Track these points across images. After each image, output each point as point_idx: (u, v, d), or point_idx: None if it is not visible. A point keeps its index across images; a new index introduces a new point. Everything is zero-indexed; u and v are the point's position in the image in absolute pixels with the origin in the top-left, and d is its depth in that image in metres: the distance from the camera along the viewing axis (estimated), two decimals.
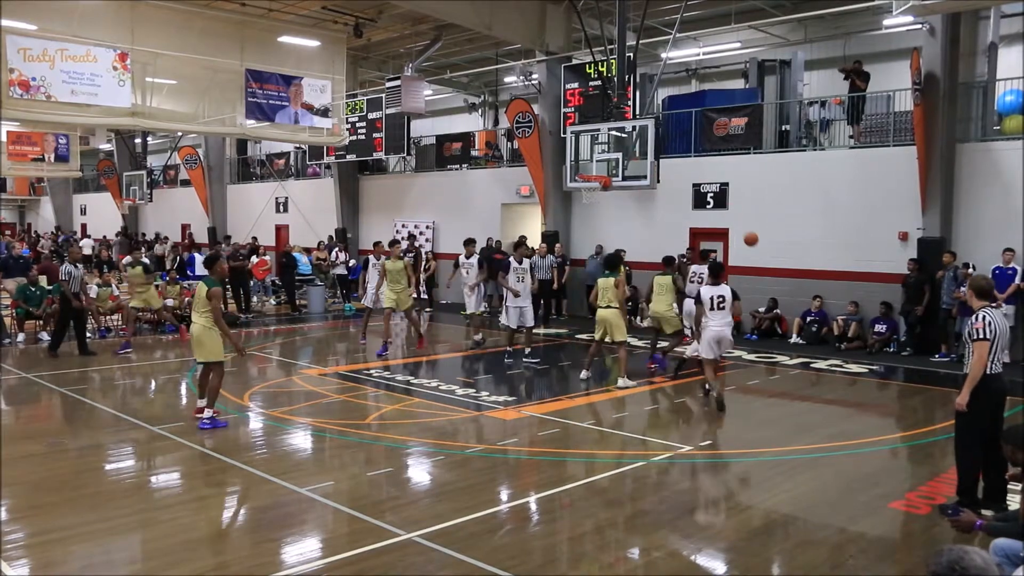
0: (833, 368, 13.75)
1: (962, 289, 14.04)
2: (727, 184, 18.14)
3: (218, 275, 9.69)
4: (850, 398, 12.04)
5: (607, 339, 12.14)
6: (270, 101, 19.41)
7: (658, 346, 13.99)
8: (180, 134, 29.41)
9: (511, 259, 14.54)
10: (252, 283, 21.73)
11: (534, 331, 15.05)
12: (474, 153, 24.97)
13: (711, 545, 6.21)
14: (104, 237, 34.92)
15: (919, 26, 15.44)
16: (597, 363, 13.25)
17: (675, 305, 13.26)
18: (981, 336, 6.46)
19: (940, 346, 14.84)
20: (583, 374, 12.53)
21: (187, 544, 5.99)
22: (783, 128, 18.46)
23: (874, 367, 13.61)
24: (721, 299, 10.63)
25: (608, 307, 12.04)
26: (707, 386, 11.15)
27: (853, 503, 7.49)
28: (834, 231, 16.19)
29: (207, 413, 9.36)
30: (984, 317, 6.51)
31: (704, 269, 12.46)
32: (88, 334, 15.13)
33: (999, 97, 16.15)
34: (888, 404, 11.87)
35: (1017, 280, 13.99)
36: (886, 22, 17.29)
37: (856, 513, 7.14)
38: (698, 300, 10.86)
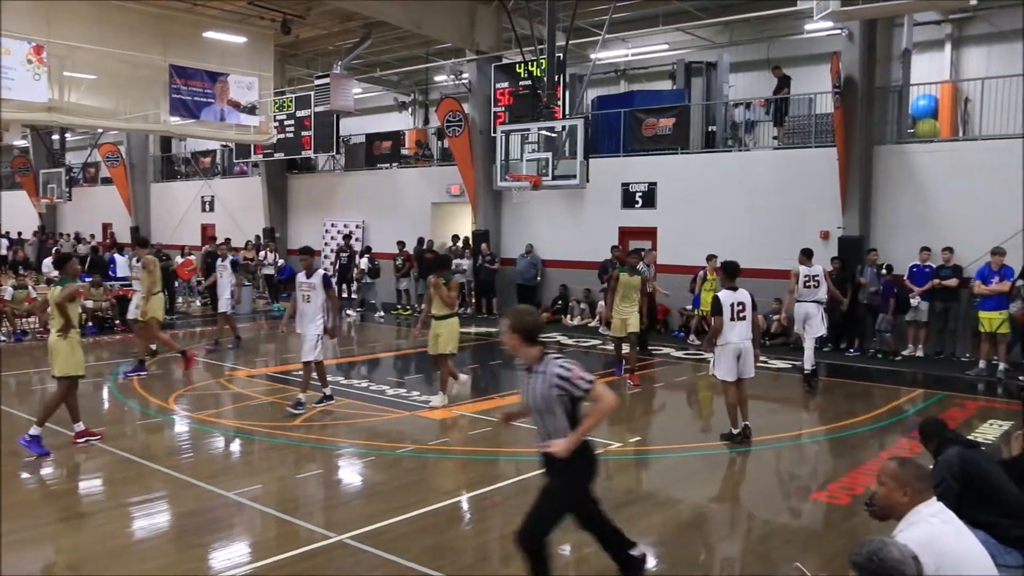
0: (757, 364, 14.05)
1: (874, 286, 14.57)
2: (655, 184, 18.40)
3: (70, 275, 8.72)
4: (774, 393, 12.34)
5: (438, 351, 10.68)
6: (195, 98, 19.02)
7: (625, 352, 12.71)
8: (100, 131, 28.52)
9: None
10: (176, 284, 21.23)
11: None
12: (404, 152, 24.84)
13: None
14: (19, 235, 33.67)
15: (839, 31, 15.90)
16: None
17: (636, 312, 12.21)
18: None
19: (854, 341, 15.32)
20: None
21: (110, 552, 5.84)
22: (710, 129, 18.81)
23: (797, 362, 13.97)
24: (742, 307, 8.82)
25: (444, 316, 10.63)
26: (732, 429, 9.02)
27: (777, 495, 7.71)
28: (759, 230, 16.55)
29: (34, 430, 8.24)
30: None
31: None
32: (2, 337, 14.60)
33: (913, 101, 16.77)
34: (810, 398, 12.18)
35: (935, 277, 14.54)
36: (807, 27, 17.75)
37: (780, 505, 7.35)
38: (717, 309, 8.83)
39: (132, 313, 13.58)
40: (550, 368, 4.80)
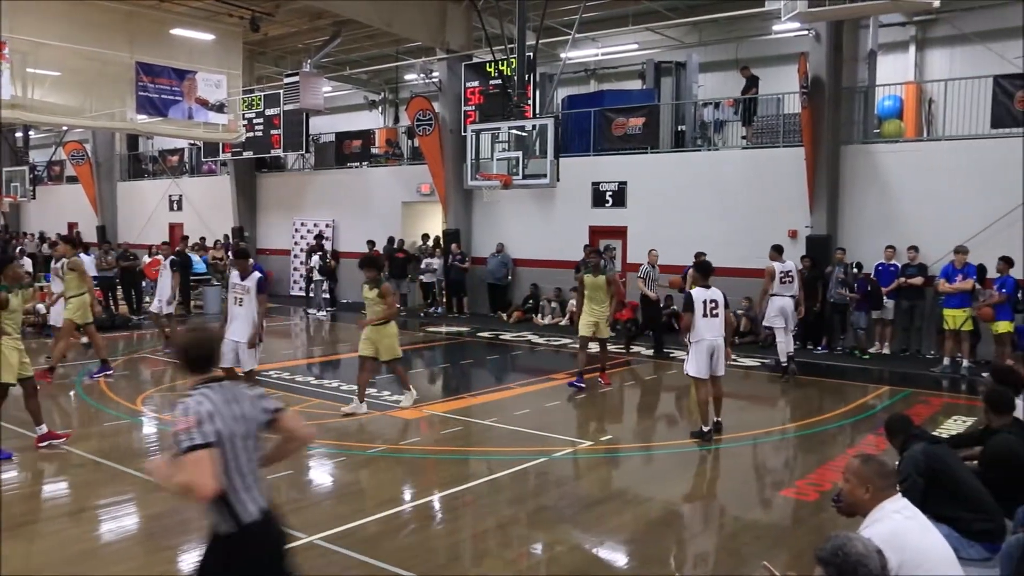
0: (728, 362, 14.15)
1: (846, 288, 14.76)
2: (625, 183, 18.48)
3: (10, 280, 8.32)
4: (743, 391, 12.44)
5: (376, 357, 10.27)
6: (162, 95, 18.84)
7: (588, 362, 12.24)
8: (65, 128, 28.13)
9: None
10: (144, 283, 20.97)
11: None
12: (374, 151, 24.73)
13: (612, 538, 6.34)
14: None
15: (806, 32, 16.08)
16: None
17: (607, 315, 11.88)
18: None
19: (822, 339, 15.50)
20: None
21: (78, 556, 5.76)
22: (679, 128, 18.93)
23: (766, 360, 14.10)
24: (715, 304, 8.98)
25: (382, 323, 10.16)
26: (705, 429, 9.04)
27: (747, 492, 7.78)
28: (728, 229, 16.67)
29: None
30: None
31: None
32: None
33: (879, 102, 17.00)
34: (778, 396, 12.31)
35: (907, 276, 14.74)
36: (775, 28, 17.92)
37: (749, 501, 7.42)
38: (689, 306, 8.99)
39: (53, 319, 13.27)
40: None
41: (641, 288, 15.10)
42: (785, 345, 12.64)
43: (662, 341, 15.06)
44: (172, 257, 15.47)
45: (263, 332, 9.80)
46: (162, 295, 14.81)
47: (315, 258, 21.01)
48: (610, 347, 12.80)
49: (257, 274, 9.85)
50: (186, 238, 24.08)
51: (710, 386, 9.08)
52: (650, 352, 14.98)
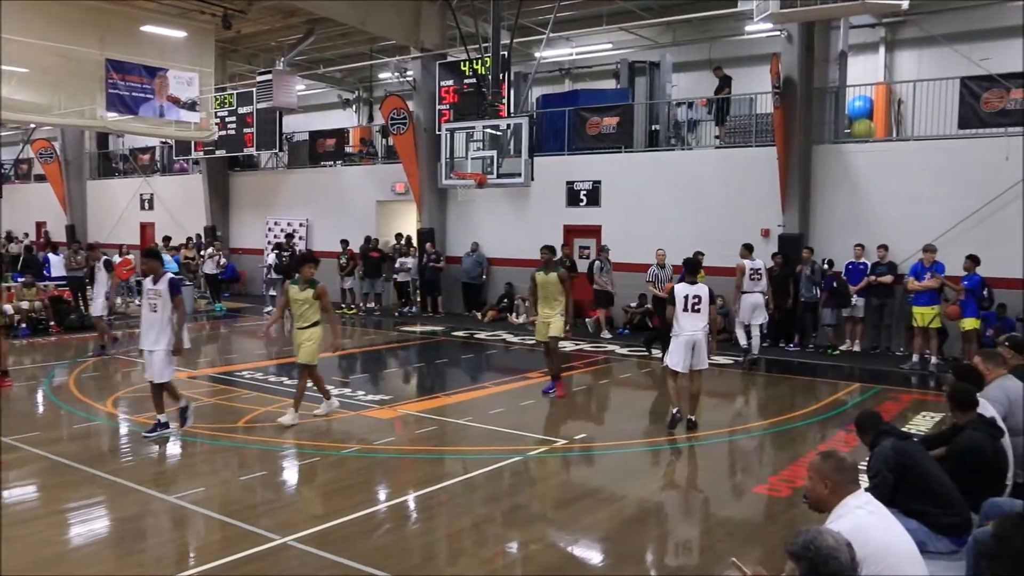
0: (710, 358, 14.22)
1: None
2: (599, 182, 18.55)
3: None
4: (717, 389, 12.53)
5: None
6: (133, 93, 18.65)
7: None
8: (33, 126, 27.76)
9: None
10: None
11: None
12: (348, 150, 24.60)
13: (587, 536, 6.37)
14: None
15: (778, 33, 16.21)
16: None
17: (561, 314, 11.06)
18: None
19: (794, 336, 15.64)
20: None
21: (48, 560, 5.70)
22: (653, 128, 19.02)
23: (739, 358, 14.20)
24: (697, 300, 9.27)
25: (304, 327, 9.55)
26: (674, 411, 9.37)
27: (720, 489, 7.84)
28: (702, 228, 16.75)
29: None
30: None
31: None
32: None
33: (849, 102, 17.18)
34: (752, 393, 12.42)
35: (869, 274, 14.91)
36: (748, 28, 18.05)
37: (723, 498, 7.49)
38: (671, 300, 9.38)
39: None
40: None
41: (652, 291, 15.25)
42: (757, 340, 13.42)
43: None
44: (105, 258, 14.84)
45: (183, 341, 8.88)
46: (99, 297, 14.22)
47: (271, 256, 20.91)
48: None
49: (169, 275, 9.06)
50: (168, 239, 24.00)
51: (686, 380, 9.36)
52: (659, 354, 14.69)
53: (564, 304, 11.05)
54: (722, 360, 14.26)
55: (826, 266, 15.22)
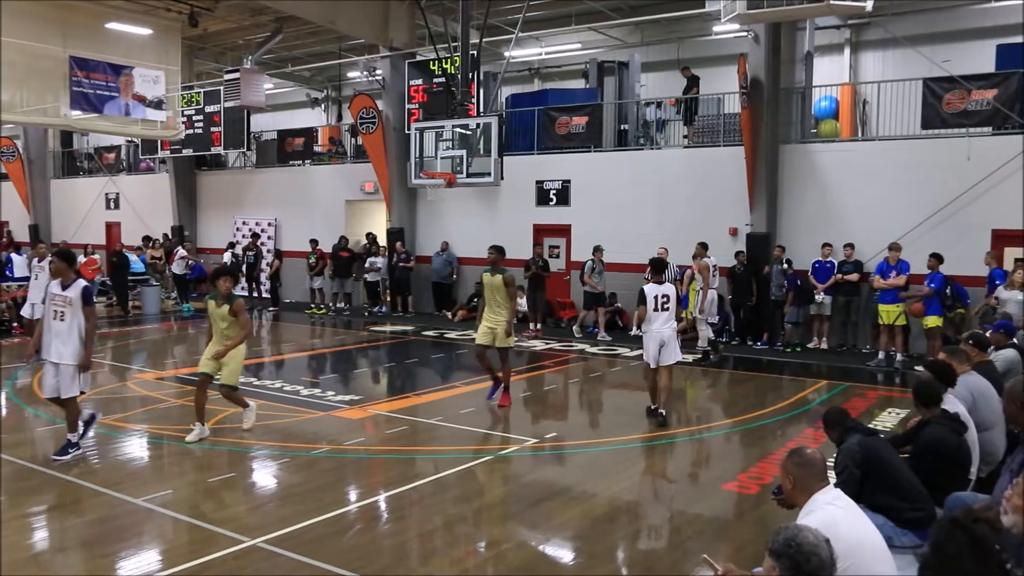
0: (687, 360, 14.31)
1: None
2: (569, 181, 18.60)
3: None
4: (686, 387, 12.62)
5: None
6: (98, 91, 18.39)
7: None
8: None
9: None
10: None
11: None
12: (317, 149, 24.47)
13: (558, 535, 6.38)
14: None
15: (745, 34, 16.35)
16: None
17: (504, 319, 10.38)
18: None
19: (763, 335, 15.79)
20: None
21: (13, 565, 5.60)
22: (622, 127, 19.12)
23: (705, 351, 14.28)
24: (666, 299, 9.62)
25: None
26: (653, 405, 9.78)
27: (690, 486, 7.91)
28: (671, 227, 16.86)
29: None
30: None
31: None
32: None
33: (815, 102, 17.38)
34: (721, 391, 12.52)
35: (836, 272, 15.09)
36: (715, 29, 18.20)
37: (693, 496, 7.54)
38: (641, 300, 9.69)
39: None
40: None
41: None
42: (707, 332, 14.31)
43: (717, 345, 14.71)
44: (50, 258, 14.52)
45: (90, 354, 8.02)
46: (34, 299, 13.41)
47: (227, 254, 20.78)
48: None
49: (82, 283, 8.03)
50: (149, 238, 23.73)
51: (658, 374, 9.71)
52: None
53: (509, 309, 10.39)
54: (691, 358, 14.36)
55: (785, 265, 15.36)
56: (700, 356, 14.20)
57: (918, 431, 5.65)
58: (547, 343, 15.97)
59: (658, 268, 10.09)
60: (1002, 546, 2.72)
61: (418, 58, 20.37)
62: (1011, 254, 13.67)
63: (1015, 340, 8.20)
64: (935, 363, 6.38)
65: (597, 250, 16.63)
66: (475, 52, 16.01)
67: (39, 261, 13.89)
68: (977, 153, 14.06)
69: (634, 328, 16.25)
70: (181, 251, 21.59)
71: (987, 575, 2.68)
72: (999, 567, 2.69)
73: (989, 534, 2.72)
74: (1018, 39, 15.73)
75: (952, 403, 5.78)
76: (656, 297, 9.59)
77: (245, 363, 9.67)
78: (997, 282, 12.42)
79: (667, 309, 9.63)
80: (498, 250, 10.74)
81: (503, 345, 10.30)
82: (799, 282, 15.05)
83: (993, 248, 13.71)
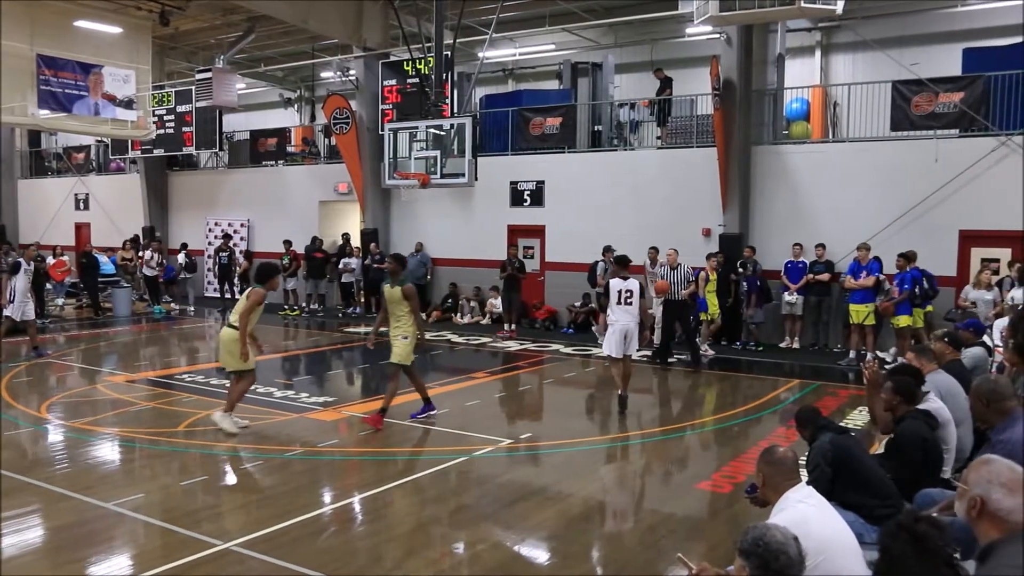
0: (643, 358, 14.37)
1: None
2: (543, 182, 18.63)
3: None
4: (661, 387, 12.69)
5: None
6: (66, 90, 18.19)
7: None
8: None
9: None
10: (51, 285, 20.20)
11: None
12: (290, 149, 24.33)
13: (533, 535, 6.39)
14: None
15: (717, 36, 16.48)
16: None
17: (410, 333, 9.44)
18: None
19: (739, 335, 15.91)
20: None
21: None
22: (596, 128, 19.17)
23: (682, 356, 14.39)
24: (629, 294, 10.15)
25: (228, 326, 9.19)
26: (619, 392, 10.34)
27: (664, 486, 7.95)
28: (645, 228, 16.91)
29: None
30: None
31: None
32: None
33: (787, 104, 17.54)
34: (694, 391, 12.59)
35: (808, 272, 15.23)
36: (688, 30, 18.32)
37: (667, 495, 7.59)
38: (605, 293, 10.34)
39: None
40: None
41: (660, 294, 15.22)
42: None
43: (696, 347, 14.03)
44: (19, 260, 14.25)
45: None
46: (14, 300, 13.67)
47: (181, 255, 20.84)
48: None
49: None
50: (136, 238, 23.56)
51: (621, 365, 10.34)
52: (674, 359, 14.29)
53: (412, 323, 9.41)
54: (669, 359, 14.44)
55: (742, 269, 15.49)
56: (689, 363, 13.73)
57: (896, 424, 5.72)
58: (522, 343, 15.99)
59: (623, 263, 10.52)
60: (945, 541, 2.78)
61: (392, 58, 20.33)
62: (977, 255, 13.92)
63: (984, 339, 8.33)
64: (900, 367, 6.47)
65: (607, 250, 16.04)
66: (449, 53, 15.99)
67: (27, 264, 14.06)
68: (944, 155, 14.25)
69: (594, 326, 16.37)
70: (149, 254, 21.36)
71: (933, 571, 2.74)
72: (945, 562, 2.75)
73: (930, 532, 2.78)
74: (984, 43, 16.01)
75: (931, 401, 5.86)
76: (620, 292, 10.13)
77: (218, 365, 9.60)
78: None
79: (630, 303, 10.13)
80: (396, 259, 10.13)
81: (395, 360, 9.41)
82: (759, 283, 15.21)
83: (960, 248, 13.93)
